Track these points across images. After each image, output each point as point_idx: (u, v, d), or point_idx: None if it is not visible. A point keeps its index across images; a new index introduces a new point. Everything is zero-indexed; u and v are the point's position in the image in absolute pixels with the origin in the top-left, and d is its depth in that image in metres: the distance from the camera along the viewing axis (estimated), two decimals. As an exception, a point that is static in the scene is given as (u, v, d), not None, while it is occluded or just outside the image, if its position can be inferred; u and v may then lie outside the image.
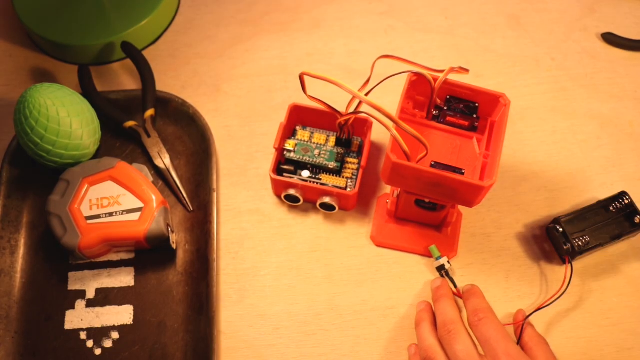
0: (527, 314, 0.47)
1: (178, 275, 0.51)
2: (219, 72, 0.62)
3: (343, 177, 0.53)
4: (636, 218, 0.49)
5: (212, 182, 0.53)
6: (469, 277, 0.51)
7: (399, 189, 0.50)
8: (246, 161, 0.56)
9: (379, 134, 0.55)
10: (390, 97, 0.49)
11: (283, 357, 0.48)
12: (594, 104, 0.60)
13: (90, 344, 0.48)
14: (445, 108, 0.47)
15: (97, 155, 0.55)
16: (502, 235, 0.53)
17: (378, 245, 0.52)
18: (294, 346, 0.48)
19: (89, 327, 0.49)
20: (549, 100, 0.60)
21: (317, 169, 0.53)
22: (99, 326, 0.49)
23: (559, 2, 0.67)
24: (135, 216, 0.49)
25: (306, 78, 0.45)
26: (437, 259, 0.49)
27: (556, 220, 0.50)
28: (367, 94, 0.46)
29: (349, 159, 0.53)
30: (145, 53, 0.62)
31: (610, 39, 0.63)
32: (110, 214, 0.49)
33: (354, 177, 0.53)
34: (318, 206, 0.52)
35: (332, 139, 0.54)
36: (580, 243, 0.48)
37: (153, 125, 0.56)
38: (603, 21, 0.65)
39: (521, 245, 0.52)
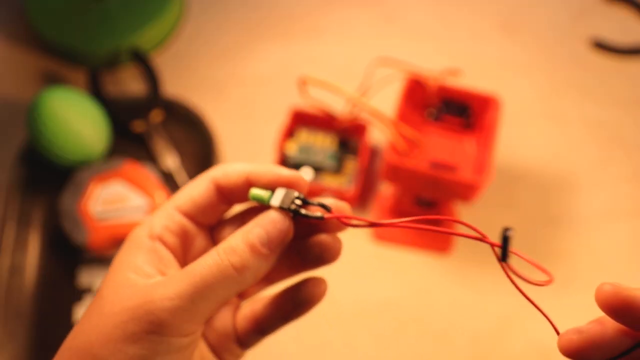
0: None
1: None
2: (223, 76, 0.64)
3: (343, 177, 0.54)
4: None
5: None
6: (463, 273, 0.53)
7: (399, 188, 0.52)
8: (249, 162, 0.58)
9: (378, 134, 0.57)
10: (387, 99, 0.51)
11: (281, 352, 0.49)
12: (584, 107, 0.62)
13: (99, 337, 0.50)
14: (441, 109, 0.49)
15: (106, 156, 0.56)
16: (496, 233, 0.54)
17: (379, 239, 0.54)
18: (292, 342, 0.49)
19: (98, 321, 0.50)
20: (541, 104, 0.62)
21: (317, 169, 0.55)
22: (108, 321, 0.50)
23: (550, 8, 0.69)
24: (143, 215, 0.51)
25: (306, 82, 0.47)
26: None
27: None
28: (365, 98, 0.48)
29: (349, 160, 0.55)
30: (152, 58, 0.64)
31: (600, 44, 0.65)
32: (119, 213, 0.51)
33: (354, 177, 0.54)
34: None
35: (332, 140, 0.56)
36: None
37: (160, 128, 0.58)
38: (593, 27, 0.67)
39: (515, 243, 0.54)
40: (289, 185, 0.26)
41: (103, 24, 0.64)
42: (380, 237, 0.54)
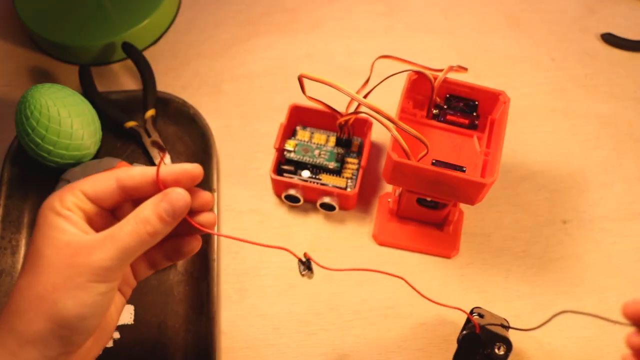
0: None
1: (179, 275, 0.51)
2: (220, 73, 0.62)
3: (343, 177, 0.53)
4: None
5: (213, 182, 0.53)
6: (469, 276, 0.51)
7: (401, 188, 0.50)
8: (246, 161, 0.56)
9: (379, 133, 0.55)
10: (390, 96, 0.49)
11: (283, 357, 0.48)
12: (594, 104, 0.60)
13: (90, 343, 0.48)
14: (445, 107, 0.47)
15: (98, 155, 0.55)
16: (502, 235, 0.53)
17: (380, 244, 0.52)
18: (294, 346, 0.48)
19: (90, 326, 0.49)
20: (549, 101, 0.60)
21: (317, 169, 0.53)
22: (100, 326, 0.49)
23: (558, 2, 0.67)
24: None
25: (305, 79, 0.45)
26: None
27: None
28: (366, 95, 0.47)
29: (349, 159, 0.54)
30: (145, 53, 0.62)
31: (610, 39, 0.63)
32: (111, 214, 0.49)
33: (354, 177, 0.53)
34: (318, 206, 0.52)
35: (332, 139, 0.54)
36: None
37: (154, 126, 0.56)
38: (602, 21, 0.65)
39: (521, 245, 0.52)
40: (183, 176, 0.34)
41: (95, 19, 0.62)
42: (382, 241, 0.52)
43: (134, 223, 0.32)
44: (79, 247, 0.31)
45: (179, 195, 0.32)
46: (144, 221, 0.32)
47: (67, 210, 0.32)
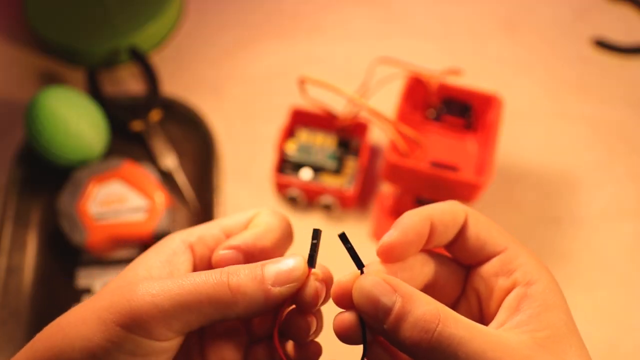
0: None
1: None
2: (222, 75, 0.63)
3: (343, 177, 0.54)
4: None
5: (216, 182, 0.55)
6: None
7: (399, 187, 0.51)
8: (248, 162, 0.58)
9: (378, 134, 0.56)
10: (388, 99, 0.50)
11: (285, 352, 0.49)
12: (585, 107, 0.62)
13: (97, 338, 0.49)
14: (442, 109, 0.49)
15: (105, 156, 0.56)
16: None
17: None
18: (295, 341, 0.49)
19: (97, 322, 0.50)
20: (542, 103, 0.62)
21: (317, 169, 0.54)
22: (106, 321, 0.50)
23: (551, 7, 0.69)
24: (141, 215, 0.51)
25: (305, 81, 0.47)
26: None
27: None
28: (365, 97, 0.48)
29: (349, 159, 0.55)
30: (151, 57, 0.64)
31: (603, 43, 0.65)
32: (118, 213, 0.51)
33: (354, 176, 0.54)
34: (318, 205, 0.54)
35: (332, 140, 0.56)
36: None
37: (158, 127, 0.58)
38: (594, 26, 0.67)
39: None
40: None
41: (102, 23, 0.63)
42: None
43: (219, 270, 0.23)
44: (138, 281, 0.23)
45: (294, 263, 0.25)
46: (232, 271, 0.23)
47: (185, 245, 0.26)
